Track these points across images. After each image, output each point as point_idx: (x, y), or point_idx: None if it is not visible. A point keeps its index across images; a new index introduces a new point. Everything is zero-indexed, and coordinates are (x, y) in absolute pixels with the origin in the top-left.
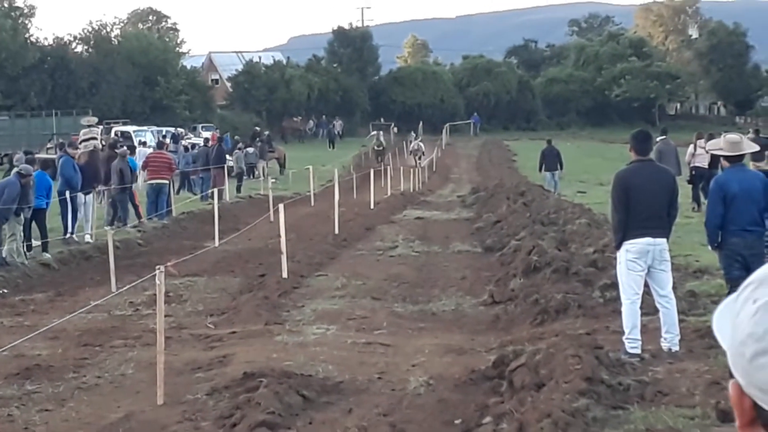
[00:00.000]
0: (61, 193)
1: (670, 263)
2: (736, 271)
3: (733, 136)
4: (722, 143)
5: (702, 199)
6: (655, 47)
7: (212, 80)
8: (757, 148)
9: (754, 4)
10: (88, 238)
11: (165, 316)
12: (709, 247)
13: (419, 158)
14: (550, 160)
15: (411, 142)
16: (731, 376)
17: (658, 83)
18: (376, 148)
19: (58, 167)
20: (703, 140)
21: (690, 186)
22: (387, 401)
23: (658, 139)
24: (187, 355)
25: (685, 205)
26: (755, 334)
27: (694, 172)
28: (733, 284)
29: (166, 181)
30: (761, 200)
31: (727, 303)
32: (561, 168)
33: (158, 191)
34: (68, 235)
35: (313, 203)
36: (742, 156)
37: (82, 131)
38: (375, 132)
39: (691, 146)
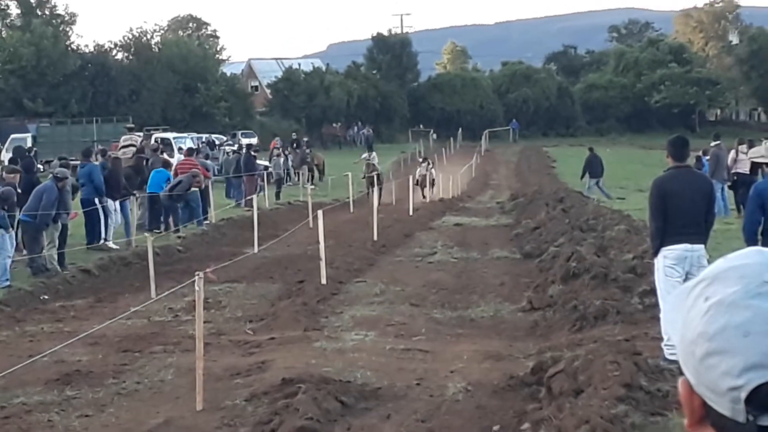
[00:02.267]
0: (89, 201)
1: None
2: None
3: None
4: (763, 150)
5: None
6: (695, 53)
7: (252, 87)
8: None
9: None
10: (111, 244)
11: (204, 322)
12: None
13: (429, 187)
14: (596, 167)
15: (420, 166)
16: (681, 373)
17: (698, 89)
18: (367, 174)
19: (80, 175)
20: (744, 146)
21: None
22: (425, 407)
23: (712, 144)
24: (226, 361)
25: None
26: (706, 333)
27: (735, 178)
28: None
29: (195, 189)
30: None
31: (679, 295)
32: (602, 174)
33: (187, 199)
34: (101, 242)
35: (352, 210)
36: None
37: (123, 138)
38: (365, 155)
39: (733, 152)
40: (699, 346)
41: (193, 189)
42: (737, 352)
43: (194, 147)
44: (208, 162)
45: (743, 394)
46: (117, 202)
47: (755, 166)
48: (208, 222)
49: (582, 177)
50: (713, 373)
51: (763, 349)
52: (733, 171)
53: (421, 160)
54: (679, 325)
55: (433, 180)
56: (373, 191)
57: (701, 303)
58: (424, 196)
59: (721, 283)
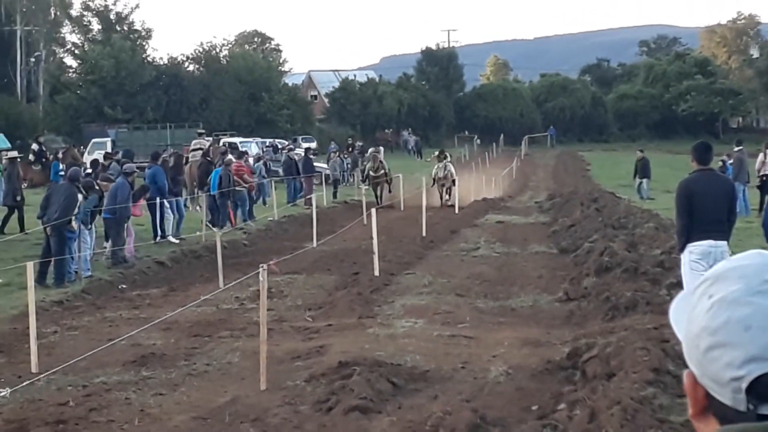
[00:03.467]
0: (153, 200)
1: None
2: None
3: None
4: None
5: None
6: (718, 66)
7: (311, 96)
8: None
9: None
10: (172, 239)
11: (267, 309)
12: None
13: (448, 190)
14: (646, 168)
15: (437, 165)
16: (686, 366)
17: (721, 99)
18: (372, 174)
19: (147, 176)
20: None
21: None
22: (469, 389)
23: (735, 149)
24: (288, 345)
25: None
26: (709, 328)
27: (765, 179)
28: None
29: (242, 189)
30: None
31: (683, 296)
32: (649, 177)
33: (235, 198)
34: (164, 237)
35: (402, 208)
36: None
37: (193, 142)
38: (372, 149)
39: (761, 155)
40: (703, 340)
41: (239, 189)
42: (738, 345)
43: (243, 151)
44: (255, 164)
45: (744, 385)
46: (174, 200)
47: None
48: (255, 219)
49: (634, 177)
50: (716, 365)
51: (763, 342)
52: (761, 173)
53: (437, 153)
54: (684, 321)
55: (454, 180)
56: (381, 192)
57: (705, 300)
58: (442, 201)
59: (723, 282)
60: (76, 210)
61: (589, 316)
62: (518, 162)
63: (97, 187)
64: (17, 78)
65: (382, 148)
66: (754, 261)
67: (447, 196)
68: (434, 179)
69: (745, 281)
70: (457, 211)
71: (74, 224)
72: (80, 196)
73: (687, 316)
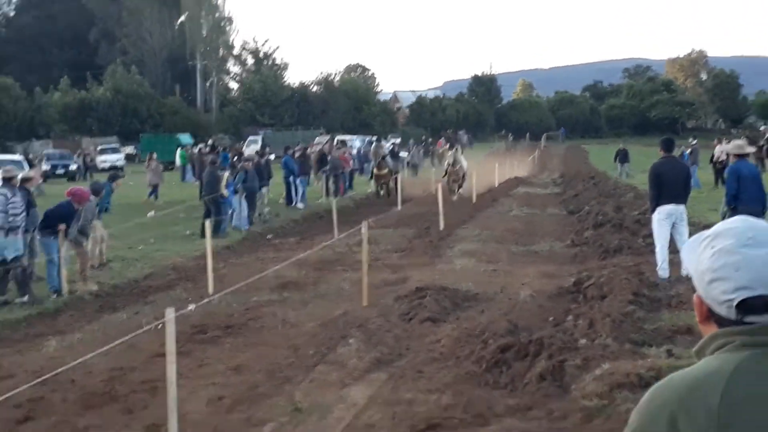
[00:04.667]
0: (287, 179)
1: (687, 221)
2: None
3: (739, 142)
4: (731, 147)
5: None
6: (678, 85)
7: (396, 108)
8: (754, 149)
9: (744, 58)
10: (300, 205)
11: (367, 252)
12: (725, 208)
13: (458, 181)
14: (625, 156)
15: (449, 154)
16: (694, 291)
17: (680, 108)
18: (376, 171)
19: (282, 163)
20: (720, 144)
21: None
22: (506, 306)
23: (692, 142)
24: (381, 276)
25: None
26: (712, 268)
27: (722, 164)
28: None
29: (346, 169)
30: (759, 181)
31: (692, 243)
32: (629, 162)
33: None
34: (293, 204)
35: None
36: (747, 154)
37: (316, 139)
38: (452, 152)
39: (717, 147)
40: (707, 275)
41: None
42: (731, 279)
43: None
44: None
45: (734, 303)
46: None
47: (728, 156)
48: (354, 191)
49: (614, 161)
50: (716, 291)
51: (747, 277)
52: (720, 159)
53: (444, 140)
54: (694, 262)
55: (464, 174)
56: (387, 189)
57: (709, 250)
58: (452, 194)
59: (721, 237)
60: (224, 182)
61: (589, 256)
62: (539, 152)
63: (241, 166)
64: (197, 96)
65: (397, 143)
66: (742, 224)
67: (457, 189)
68: (446, 171)
69: (736, 238)
70: (474, 200)
71: (225, 192)
72: (225, 174)
73: (696, 258)
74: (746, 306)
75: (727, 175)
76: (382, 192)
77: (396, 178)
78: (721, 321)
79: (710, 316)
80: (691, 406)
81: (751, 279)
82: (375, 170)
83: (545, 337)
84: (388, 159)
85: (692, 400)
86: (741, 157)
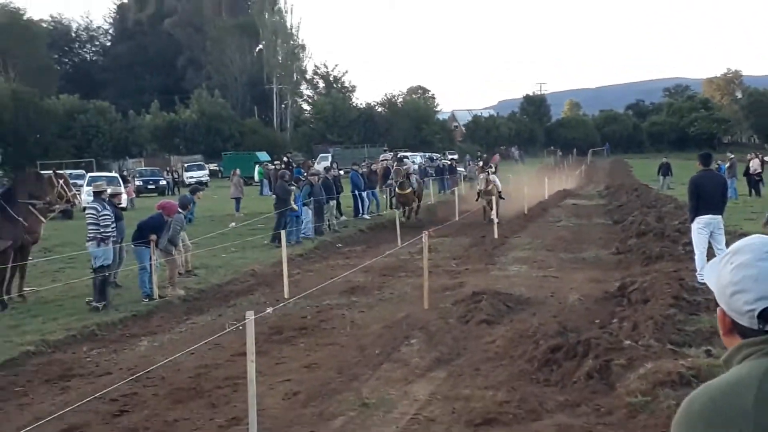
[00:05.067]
0: (354, 192)
1: (724, 230)
2: None
3: None
4: None
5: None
6: (715, 103)
7: (454, 126)
8: None
9: None
10: (366, 216)
11: (428, 259)
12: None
13: (492, 202)
14: (667, 169)
15: (480, 178)
16: (717, 305)
17: (717, 124)
18: (398, 190)
19: (350, 178)
20: (756, 158)
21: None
22: (556, 309)
23: (730, 156)
24: (441, 281)
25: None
26: (732, 281)
27: (758, 176)
28: None
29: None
30: None
31: (713, 264)
32: (671, 175)
33: None
34: (359, 216)
35: (512, 195)
36: None
37: (381, 156)
38: (484, 174)
39: (752, 161)
40: (728, 289)
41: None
42: (751, 291)
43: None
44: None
45: (756, 314)
46: (369, 191)
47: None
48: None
49: (658, 174)
50: (738, 303)
51: (766, 288)
52: (753, 171)
53: (480, 163)
54: (715, 278)
55: (500, 193)
56: (408, 210)
57: (729, 266)
58: (485, 215)
59: (739, 254)
60: (293, 197)
61: (632, 263)
62: (585, 167)
63: (306, 180)
64: (274, 117)
65: (418, 162)
66: (758, 240)
67: (491, 211)
68: (478, 193)
69: (753, 253)
70: (526, 211)
71: (294, 206)
72: (293, 188)
73: (716, 275)
74: (767, 315)
75: None
76: (399, 211)
77: (418, 199)
78: (744, 332)
79: (734, 328)
80: (726, 410)
81: None
82: (397, 189)
83: (592, 338)
84: (413, 178)
85: (727, 405)
86: None
